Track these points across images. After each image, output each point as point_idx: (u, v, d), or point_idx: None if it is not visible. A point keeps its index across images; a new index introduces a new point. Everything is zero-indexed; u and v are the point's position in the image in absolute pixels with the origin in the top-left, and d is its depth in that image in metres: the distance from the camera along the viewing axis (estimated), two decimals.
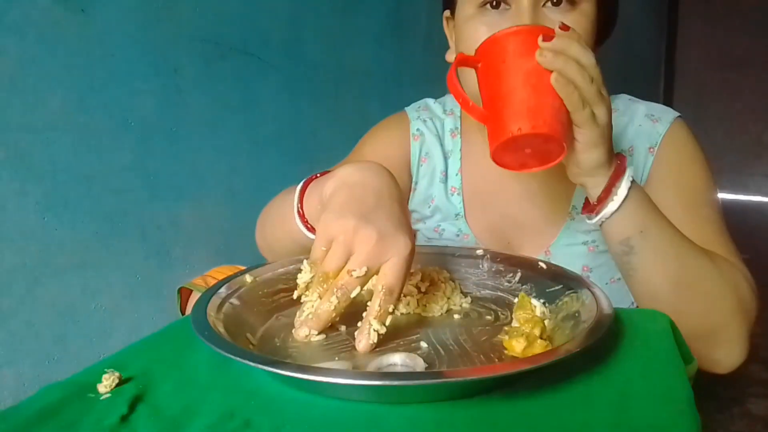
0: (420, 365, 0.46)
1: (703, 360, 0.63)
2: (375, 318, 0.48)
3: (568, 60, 0.53)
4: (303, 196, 0.61)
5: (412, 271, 0.55)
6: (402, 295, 0.53)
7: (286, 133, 1.46)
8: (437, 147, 0.85)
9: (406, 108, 0.91)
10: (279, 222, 0.67)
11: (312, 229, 0.60)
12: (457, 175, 0.84)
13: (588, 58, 0.54)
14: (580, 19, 0.67)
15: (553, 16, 0.66)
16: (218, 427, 0.39)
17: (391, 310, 0.49)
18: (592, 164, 0.59)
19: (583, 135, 0.56)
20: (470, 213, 0.83)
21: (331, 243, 0.49)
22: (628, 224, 0.61)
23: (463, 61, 0.59)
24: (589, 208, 0.62)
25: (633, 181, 0.61)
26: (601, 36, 0.74)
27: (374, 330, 0.48)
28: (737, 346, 0.65)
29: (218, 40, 1.23)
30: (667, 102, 5.10)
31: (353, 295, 0.49)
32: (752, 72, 4.76)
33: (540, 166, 0.57)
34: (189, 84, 1.16)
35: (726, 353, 0.65)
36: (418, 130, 0.86)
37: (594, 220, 0.62)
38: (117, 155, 1.04)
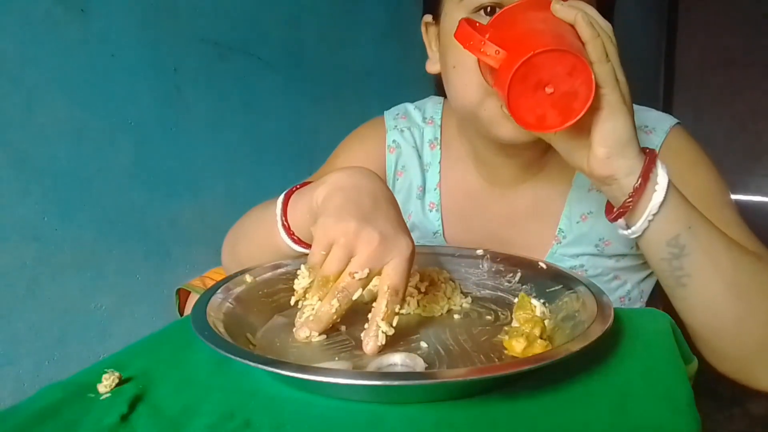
0: (420, 365, 0.46)
1: (754, 375, 0.57)
2: (382, 319, 0.48)
3: (585, 15, 0.50)
4: (286, 209, 0.59)
5: (411, 272, 0.55)
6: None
7: (286, 133, 1.46)
8: (414, 159, 0.80)
9: (385, 112, 0.85)
10: (256, 238, 0.65)
11: (299, 241, 0.58)
12: (435, 189, 0.79)
13: (606, 22, 0.51)
14: None
15: None
16: (218, 427, 0.39)
17: (397, 310, 0.49)
18: (621, 137, 0.51)
19: (606, 97, 0.50)
20: (449, 231, 0.78)
21: (331, 247, 0.49)
22: (677, 217, 0.53)
23: (470, 25, 0.53)
24: (621, 210, 0.54)
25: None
26: None
27: (382, 332, 0.48)
28: None
29: (218, 40, 1.23)
30: (667, 102, 5.10)
31: (355, 297, 0.49)
32: (752, 72, 4.76)
33: (561, 124, 0.50)
34: (189, 84, 1.16)
35: None
36: (394, 141, 0.80)
37: (639, 223, 0.53)
38: (117, 155, 1.04)
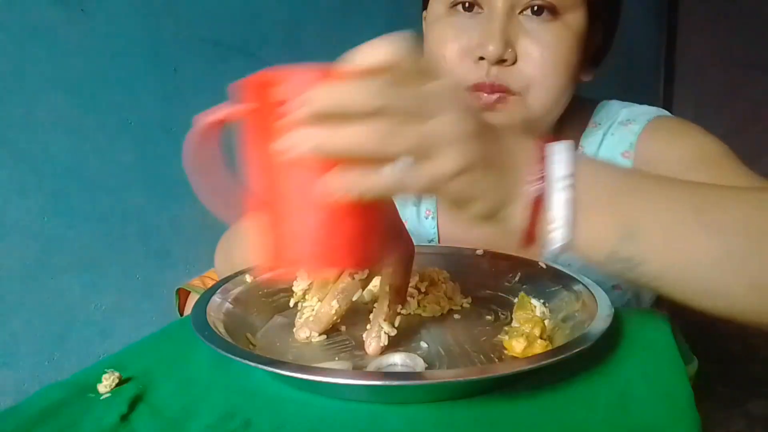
0: (420, 365, 0.46)
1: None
2: (384, 320, 0.48)
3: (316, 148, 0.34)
4: None
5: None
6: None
7: None
8: None
9: None
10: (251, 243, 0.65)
11: None
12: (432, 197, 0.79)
13: (359, 92, 0.34)
14: (563, 32, 0.61)
15: (530, 26, 0.60)
16: (218, 427, 0.39)
17: (399, 310, 0.49)
18: (488, 206, 0.39)
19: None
20: (445, 239, 0.77)
21: None
22: (601, 232, 0.40)
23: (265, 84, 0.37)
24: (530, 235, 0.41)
25: (582, 162, 0.40)
26: (597, 51, 0.69)
27: (384, 332, 0.48)
28: None
29: (218, 40, 1.23)
30: (667, 102, 5.10)
31: (354, 298, 0.49)
32: (753, 72, 4.76)
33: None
34: (189, 84, 1.16)
35: None
36: None
37: (556, 247, 0.41)
38: (117, 155, 1.04)
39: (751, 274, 0.41)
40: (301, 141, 0.34)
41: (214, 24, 1.22)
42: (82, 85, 0.97)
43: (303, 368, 0.40)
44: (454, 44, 0.62)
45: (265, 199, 0.39)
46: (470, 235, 0.75)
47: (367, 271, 0.48)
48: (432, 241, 0.78)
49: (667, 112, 0.71)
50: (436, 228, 0.77)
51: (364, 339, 0.48)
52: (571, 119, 0.70)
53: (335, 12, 1.58)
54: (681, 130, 0.67)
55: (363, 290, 0.49)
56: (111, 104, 1.02)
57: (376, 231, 0.41)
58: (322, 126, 0.34)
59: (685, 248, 0.40)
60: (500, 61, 0.60)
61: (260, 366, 0.40)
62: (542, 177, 0.39)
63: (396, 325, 0.49)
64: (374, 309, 0.49)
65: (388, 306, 0.48)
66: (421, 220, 0.78)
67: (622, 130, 0.70)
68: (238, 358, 0.41)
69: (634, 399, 0.42)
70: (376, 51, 0.35)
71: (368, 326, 0.49)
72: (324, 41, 1.54)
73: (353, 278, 0.48)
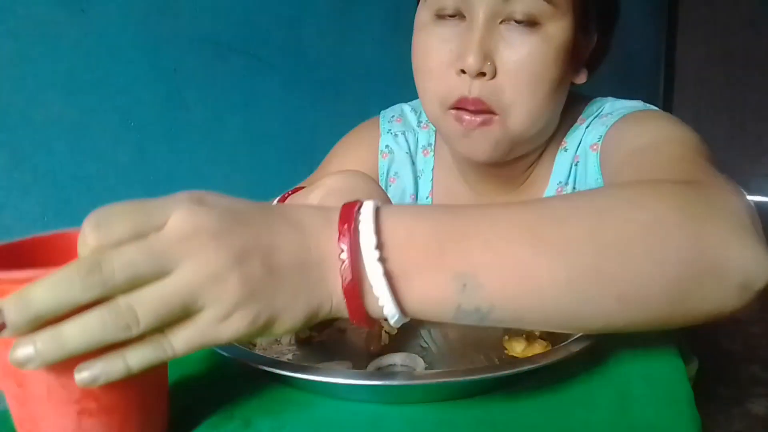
0: (420, 365, 0.46)
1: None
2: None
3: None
4: None
5: None
6: None
7: (286, 133, 1.46)
8: (407, 166, 0.78)
9: (381, 113, 0.83)
10: None
11: None
12: (427, 198, 0.77)
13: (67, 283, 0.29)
14: (542, 44, 0.58)
15: (510, 37, 0.58)
16: (218, 427, 0.39)
17: None
18: (298, 317, 0.34)
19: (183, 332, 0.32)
20: None
21: None
22: (437, 292, 0.36)
23: None
24: (365, 318, 0.36)
25: (394, 221, 0.36)
26: (593, 54, 0.67)
27: (385, 332, 0.48)
28: (753, 252, 0.37)
29: (218, 40, 1.23)
30: (667, 102, 5.10)
31: None
32: (753, 72, 4.76)
33: None
34: (189, 84, 1.16)
35: (745, 265, 0.37)
36: (387, 146, 0.79)
37: (397, 320, 0.36)
38: (117, 155, 1.04)
39: (611, 287, 0.36)
40: (25, 356, 0.29)
41: (214, 24, 1.22)
42: (82, 85, 0.97)
43: (302, 368, 0.40)
44: (436, 56, 0.62)
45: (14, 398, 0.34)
46: None
47: None
48: None
49: (654, 107, 0.67)
50: None
51: (364, 338, 0.49)
52: (564, 117, 0.70)
53: (335, 12, 1.58)
54: (648, 120, 0.62)
55: None
56: (111, 104, 1.02)
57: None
58: (39, 333, 0.29)
59: (528, 279, 0.36)
60: (480, 74, 0.59)
61: (260, 366, 0.40)
62: (350, 254, 0.33)
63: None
64: None
65: None
66: None
67: (598, 123, 0.69)
68: (237, 358, 0.41)
69: (634, 399, 0.42)
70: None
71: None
72: (324, 41, 1.54)
73: None
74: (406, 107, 0.83)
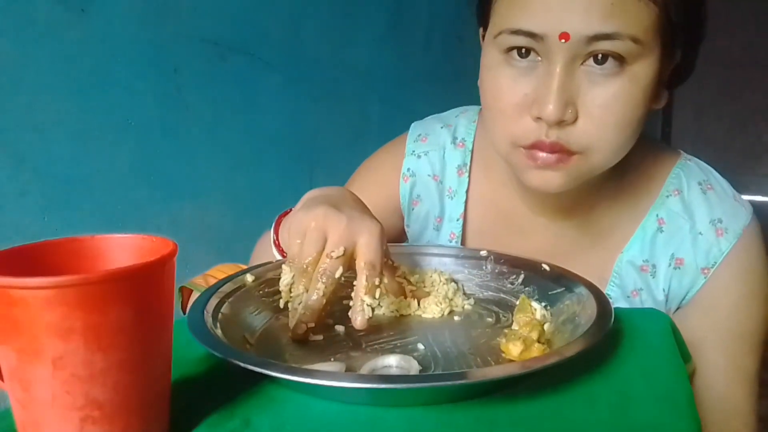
0: (414, 368, 0.45)
1: None
2: (365, 294, 0.49)
3: None
4: (278, 228, 0.62)
5: (395, 264, 0.56)
6: (387, 282, 0.55)
7: (286, 133, 1.46)
8: (432, 188, 0.75)
9: (410, 128, 0.79)
10: (263, 258, 0.66)
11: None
12: (458, 220, 0.74)
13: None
14: (629, 87, 0.54)
15: (593, 81, 0.54)
16: (218, 427, 0.39)
17: (377, 283, 0.50)
18: None
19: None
20: None
21: (305, 235, 0.51)
22: None
23: None
24: None
25: None
26: (676, 69, 0.62)
27: (367, 305, 0.49)
28: None
29: (218, 40, 1.23)
30: (667, 102, 5.09)
31: (337, 275, 0.49)
32: (752, 72, 4.76)
33: None
34: (189, 84, 1.16)
35: None
36: (408, 170, 0.76)
37: None
38: (117, 155, 1.04)
39: None
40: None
41: (214, 24, 1.22)
42: (82, 85, 0.97)
43: (292, 370, 0.40)
44: (509, 99, 0.57)
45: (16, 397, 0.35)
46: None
47: (342, 249, 0.49)
48: None
49: (752, 217, 0.66)
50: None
51: (350, 316, 0.49)
52: (638, 172, 0.68)
53: (335, 12, 1.59)
54: (751, 291, 0.65)
55: (344, 269, 0.50)
56: (111, 104, 1.02)
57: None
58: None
59: None
60: (559, 121, 0.55)
61: (250, 367, 0.40)
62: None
63: (377, 297, 0.49)
64: (354, 286, 0.50)
65: (366, 280, 0.49)
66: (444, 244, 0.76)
67: (713, 236, 0.65)
68: (231, 360, 0.41)
69: (634, 399, 0.42)
70: None
71: (351, 303, 0.50)
72: (324, 41, 1.54)
73: (331, 257, 0.49)
74: (437, 124, 0.77)
